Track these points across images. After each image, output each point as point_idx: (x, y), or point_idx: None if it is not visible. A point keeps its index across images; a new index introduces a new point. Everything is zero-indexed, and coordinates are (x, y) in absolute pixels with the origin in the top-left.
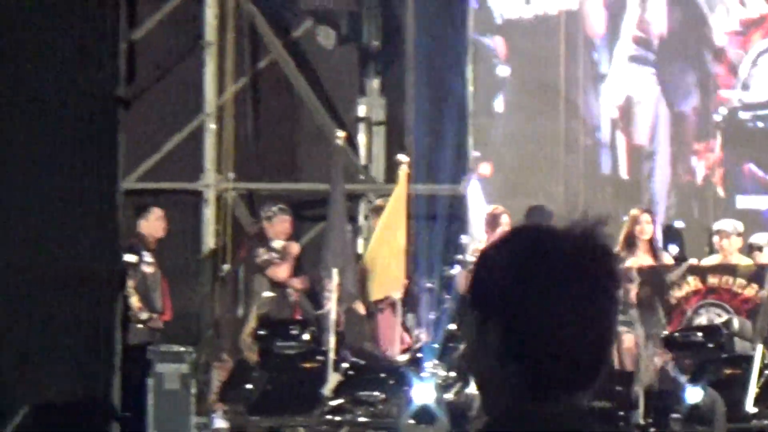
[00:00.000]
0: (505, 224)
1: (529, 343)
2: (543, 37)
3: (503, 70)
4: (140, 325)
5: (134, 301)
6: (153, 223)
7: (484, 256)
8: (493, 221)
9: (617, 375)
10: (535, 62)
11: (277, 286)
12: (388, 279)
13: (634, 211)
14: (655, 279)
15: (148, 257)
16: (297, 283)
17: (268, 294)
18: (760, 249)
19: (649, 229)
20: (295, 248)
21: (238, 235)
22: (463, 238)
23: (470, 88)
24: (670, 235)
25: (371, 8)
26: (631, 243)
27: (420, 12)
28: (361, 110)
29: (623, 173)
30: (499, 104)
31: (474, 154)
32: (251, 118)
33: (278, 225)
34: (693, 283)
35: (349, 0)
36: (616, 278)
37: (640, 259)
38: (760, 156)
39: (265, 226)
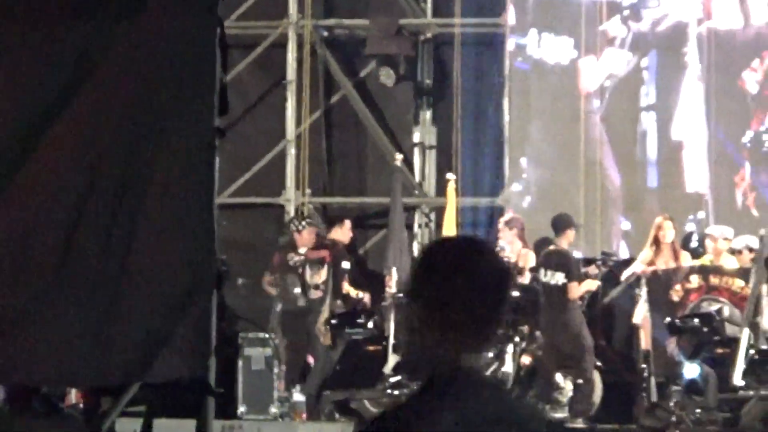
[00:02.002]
0: (518, 229)
1: (429, 317)
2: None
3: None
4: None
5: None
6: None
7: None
8: (506, 226)
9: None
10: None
11: (305, 283)
12: None
13: (658, 219)
14: (665, 279)
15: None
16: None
17: (297, 290)
18: (740, 252)
19: (670, 234)
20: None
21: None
22: (500, 242)
23: (506, 117)
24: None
25: (425, 52)
26: (656, 245)
27: (465, 55)
28: (416, 137)
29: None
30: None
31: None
32: (325, 144)
33: (306, 236)
34: (696, 281)
35: (406, 46)
36: (496, 272)
37: (664, 259)
38: None
39: (295, 236)
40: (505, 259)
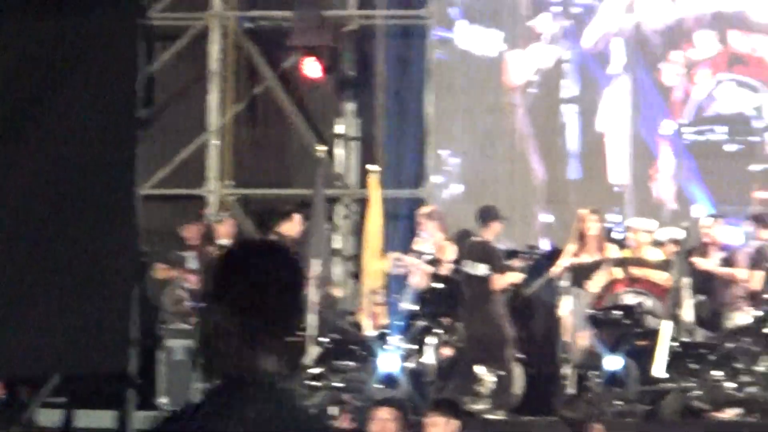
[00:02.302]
0: (438, 221)
1: (227, 320)
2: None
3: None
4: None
5: None
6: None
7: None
8: (426, 218)
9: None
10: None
11: None
12: (375, 272)
13: (582, 211)
14: (589, 272)
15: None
16: None
17: None
18: (664, 244)
19: (595, 227)
20: None
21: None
22: (421, 234)
23: (429, 109)
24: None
25: (348, 44)
26: (581, 238)
27: (388, 47)
28: (339, 128)
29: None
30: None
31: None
32: (248, 136)
33: (226, 227)
34: (617, 273)
35: (329, 38)
36: (291, 274)
37: (589, 251)
38: (701, 167)
39: (214, 227)
40: (426, 253)
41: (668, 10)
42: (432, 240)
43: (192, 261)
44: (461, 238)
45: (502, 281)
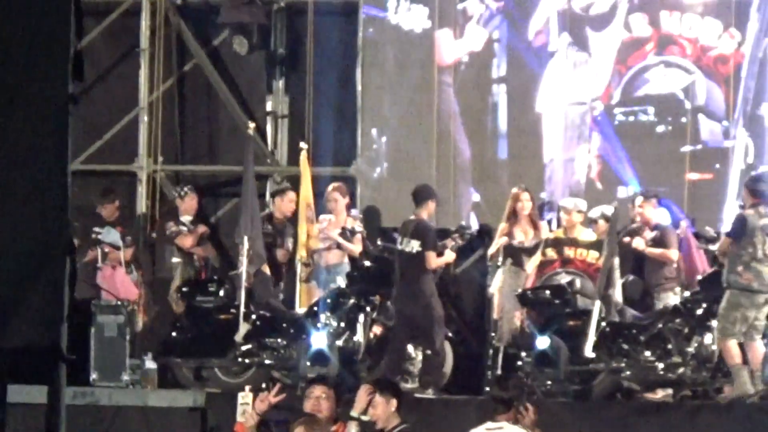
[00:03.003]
0: (334, 200)
1: None
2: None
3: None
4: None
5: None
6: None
7: None
8: (327, 199)
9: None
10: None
11: (185, 253)
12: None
13: (515, 190)
14: (521, 250)
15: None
16: (200, 251)
17: (176, 260)
18: (596, 222)
19: (528, 205)
20: (201, 226)
21: (164, 208)
22: (352, 212)
23: (359, 87)
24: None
25: (278, 21)
26: (514, 217)
27: (318, 24)
28: (269, 106)
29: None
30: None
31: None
32: (178, 112)
33: (188, 202)
34: (550, 253)
35: (260, 14)
36: None
37: (522, 230)
38: (631, 148)
39: (177, 203)
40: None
41: None
42: (341, 216)
43: (111, 235)
44: (369, 216)
45: (437, 261)
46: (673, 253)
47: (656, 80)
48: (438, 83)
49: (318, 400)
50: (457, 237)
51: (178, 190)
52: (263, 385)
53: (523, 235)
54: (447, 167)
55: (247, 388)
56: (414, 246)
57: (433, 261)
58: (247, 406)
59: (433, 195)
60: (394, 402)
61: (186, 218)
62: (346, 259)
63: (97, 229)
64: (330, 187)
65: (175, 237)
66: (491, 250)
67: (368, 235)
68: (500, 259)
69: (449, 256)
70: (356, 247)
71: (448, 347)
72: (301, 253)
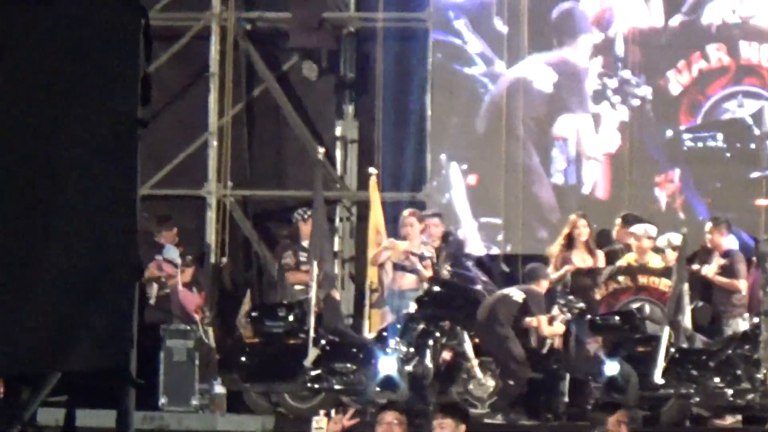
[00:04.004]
0: (410, 225)
1: None
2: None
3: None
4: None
5: None
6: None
7: None
8: (403, 224)
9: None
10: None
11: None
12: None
13: (572, 216)
14: (584, 278)
15: None
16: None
17: (299, 287)
18: (663, 250)
19: (585, 231)
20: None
21: (234, 233)
22: (421, 237)
23: (428, 112)
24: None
25: (347, 46)
26: (570, 243)
27: (388, 48)
28: (338, 130)
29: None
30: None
31: (462, 166)
32: (247, 137)
33: (309, 227)
34: (624, 282)
35: (329, 39)
36: None
37: (580, 257)
38: (699, 174)
39: (300, 226)
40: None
41: (674, 20)
42: (416, 241)
43: (170, 252)
44: (446, 240)
45: (550, 329)
46: (742, 284)
47: (733, 109)
48: (507, 99)
49: (390, 425)
50: (566, 310)
51: (300, 212)
52: (332, 411)
53: (582, 262)
54: (516, 193)
55: (322, 412)
56: (518, 296)
57: (546, 329)
58: (321, 430)
59: (545, 276)
60: (462, 427)
61: (306, 242)
62: (421, 284)
63: (158, 257)
64: (406, 212)
65: (287, 271)
66: (554, 276)
67: (437, 261)
68: (560, 286)
69: (558, 328)
70: (426, 273)
71: (518, 373)
72: (372, 279)
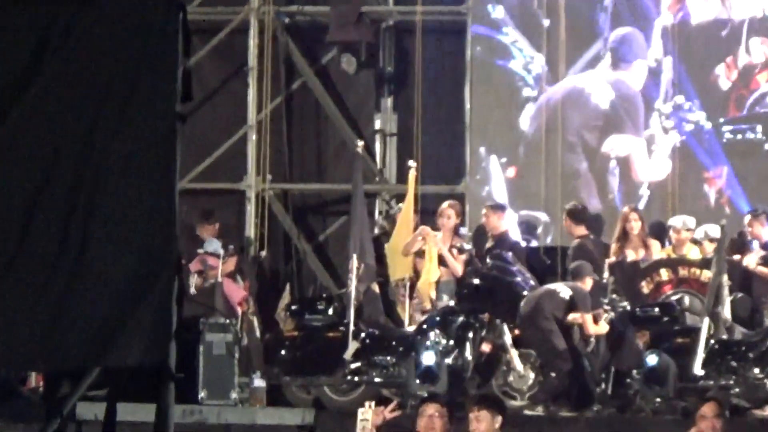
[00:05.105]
0: (447, 216)
1: None
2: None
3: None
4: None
5: None
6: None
7: None
8: (440, 215)
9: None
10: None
11: None
12: (402, 264)
13: (624, 210)
14: (631, 271)
15: None
16: None
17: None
18: (701, 242)
19: (637, 225)
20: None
21: (273, 227)
22: (460, 230)
23: (467, 105)
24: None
25: (386, 39)
26: (624, 236)
27: (427, 42)
28: (377, 124)
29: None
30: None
31: (501, 159)
32: (286, 130)
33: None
34: (666, 274)
35: (368, 33)
36: None
37: (633, 250)
38: (738, 166)
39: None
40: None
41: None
42: (449, 234)
43: (213, 245)
44: (478, 234)
45: (595, 328)
46: None
47: None
48: (562, 104)
49: (431, 418)
50: (610, 310)
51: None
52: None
53: (635, 255)
54: (556, 186)
55: (367, 404)
56: (565, 293)
57: (591, 328)
58: (367, 422)
59: (590, 273)
60: (499, 419)
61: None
62: (452, 277)
63: (200, 251)
64: (446, 204)
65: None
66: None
67: (477, 254)
68: (605, 276)
69: (603, 327)
70: (458, 266)
71: (556, 365)
72: (409, 273)
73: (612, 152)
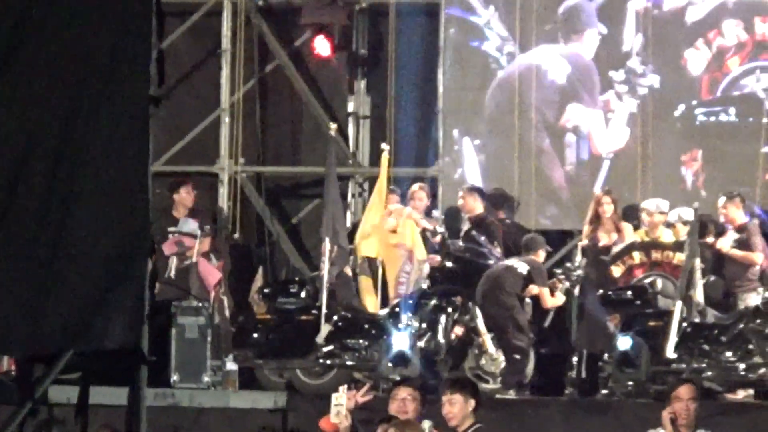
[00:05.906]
0: (419, 199)
1: None
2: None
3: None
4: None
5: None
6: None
7: None
8: (412, 197)
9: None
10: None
11: None
12: (369, 244)
13: (597, 193)
14: (602, 256)
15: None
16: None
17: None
18: (674, 225)
19: (609, 208)
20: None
21: (246, 210)
22: (434, 213)
23: (440, 88)
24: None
25: (360, 22)
26: (597, 219)
27: (400, 25)
28: (351, 107)
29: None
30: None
31: (474, 142)
32: (259, 113)
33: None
34: (638, 257)
35: (341, 15)
36: None
37: (606, 233)
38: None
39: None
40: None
41: None
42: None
43: (188, 225)
44: (451, 216)
45: (553, 301)
46: (758, 257)
47: (752, 85)
48: (520, 83)
49: (404, 401)
50: (564, 279)
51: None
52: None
53: (607, 238)
54: (529, 168)
55: (342, 388)
56: (523, 268)
57: (549, 301)
58: (341, 407)
59: (543, 246)
60: (472, 402)
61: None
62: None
63: (171, 229)
64: (416, 186)
65: None
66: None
67: (449, 236)
68: (578, 259)
69: (560, 299)
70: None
71: (530, 349)
72: (377, 254)
73: (569, 124)
